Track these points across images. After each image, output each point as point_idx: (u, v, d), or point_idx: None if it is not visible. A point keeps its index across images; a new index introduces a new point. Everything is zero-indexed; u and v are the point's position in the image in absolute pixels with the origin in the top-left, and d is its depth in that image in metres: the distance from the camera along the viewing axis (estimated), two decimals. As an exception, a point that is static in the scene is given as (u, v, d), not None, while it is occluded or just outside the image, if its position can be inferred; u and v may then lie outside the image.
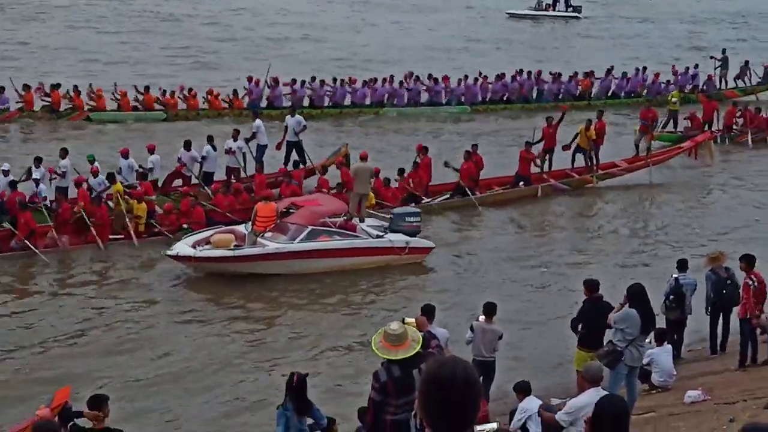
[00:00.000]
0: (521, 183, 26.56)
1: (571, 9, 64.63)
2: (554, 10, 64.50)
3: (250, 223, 20.66)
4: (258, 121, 26.96)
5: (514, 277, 20.85)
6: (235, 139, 25.64)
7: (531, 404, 12.02)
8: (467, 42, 51.50)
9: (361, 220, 21.70)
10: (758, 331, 15.23)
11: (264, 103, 33.62)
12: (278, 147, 27.02)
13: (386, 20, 58.90)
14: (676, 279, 15.97)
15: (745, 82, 40.88)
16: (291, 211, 21.02)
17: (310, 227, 20.50)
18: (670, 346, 14.97)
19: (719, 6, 72.28)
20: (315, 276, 20.14)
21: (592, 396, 9.73)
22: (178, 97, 33.03)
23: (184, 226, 21.80)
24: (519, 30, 58.20)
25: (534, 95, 37.61)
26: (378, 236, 21.11)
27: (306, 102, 34.15)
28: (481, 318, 14.07)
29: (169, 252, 20.00)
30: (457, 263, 21.67)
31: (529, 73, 37.75)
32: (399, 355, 8.52)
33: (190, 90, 33.43)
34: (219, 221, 21.99)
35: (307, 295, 19.49)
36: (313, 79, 35.10)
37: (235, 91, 33.66)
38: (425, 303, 13.99)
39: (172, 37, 49.13)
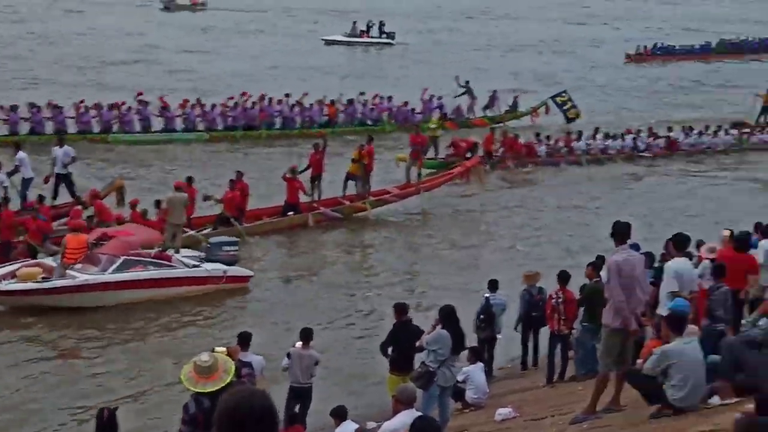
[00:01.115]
0: (290, 212, 25.89)
1: (384, 36, 65.57)
2: (368, 36, 65.34)
3: (59, 256, 20.00)
4: (21, 153, 24.73)
5: (329, 303, 20.93)
6: None
7: (347, 429, 12.08)
8: (286, 67, 51.53)
9: (177, 251, 21.37)
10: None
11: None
12: (46, 180, 25.17)
13: (205, 44, 58.50)
14: (487, 298, 16.41)
15: (493, 111, 41.11)
16: (102, 242, 20.47)
17: (122, 257, 20.04)
18: (482, 363, 15.35)
19: (547, 35, 74.50)
20: (129, 307, 19.63)
21: (405, 418, 9.88)
22: None
23: None
24: (335, 56, 58.69)
25: (279, 122, 36.34)
26: (194, 266, 20.85)
27: (26, 129, 32.08)
28: (298, 344, 14.11)
29: (-28, 287, 19.15)
30: (273, 290, 21.63)
31: (270, 99, 36.46)
32: (209, 387, 8.40)
33: None
34: None
35: (120, 328, 18.99)
36: (32, 105, 32.60)
37: None
38: (241, 330, 13.94)
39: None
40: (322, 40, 63.36)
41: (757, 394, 7.86)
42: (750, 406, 7.81)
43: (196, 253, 21.66)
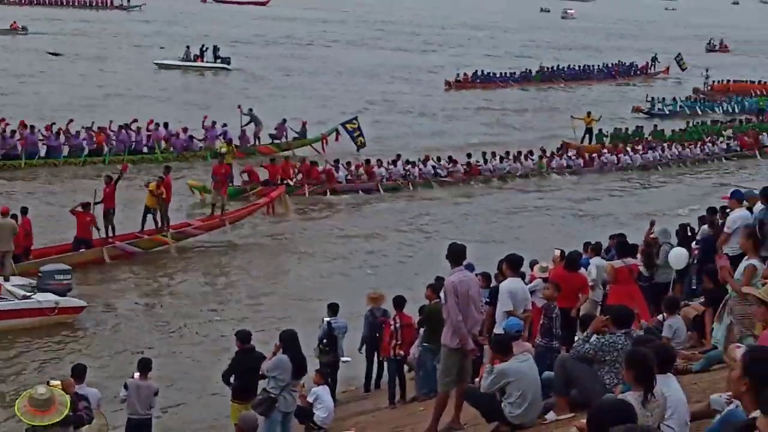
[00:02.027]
0: (82, 247, 24.15)
1: (219, 60, 65.00)
2: (203, 60, 64.69)
3: None
4: None
5: (161, 333, 20.54)
6: None
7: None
8: (111, 93, 50.55)
9: (6, 279, 20.61)
10: (406, 368, 16.06)
11: None
12: None
13: (28, 69, 56.90)
14: (329, 323, 16.41)
15: (280, 139, 39.98)
16: None
17: (-55, 289, 19.21)
18: (327, 386, 15.36)
19: (392, 61, 75.35)
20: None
21: (247, 446, 9.83)
22: None
23: None
24: (168, 81, 57.96)
25: (43, 151, 34.05)
26: (24, 296, 20.09)
27: None
28: (136, 375, 13.83)
29: None
30: (106, 321, 21.03)
31: (33, 127, 34.21)
32: (46, 421, 8.17)
33: None
34: None
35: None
36: None
37: None
38: (76, 363, 13.59)
39: None
40: (155, 64, 62.46)
41: (589, 409, 8.15)
42: (583, 421, 8.10)
43: (27, 282, 20.86)
